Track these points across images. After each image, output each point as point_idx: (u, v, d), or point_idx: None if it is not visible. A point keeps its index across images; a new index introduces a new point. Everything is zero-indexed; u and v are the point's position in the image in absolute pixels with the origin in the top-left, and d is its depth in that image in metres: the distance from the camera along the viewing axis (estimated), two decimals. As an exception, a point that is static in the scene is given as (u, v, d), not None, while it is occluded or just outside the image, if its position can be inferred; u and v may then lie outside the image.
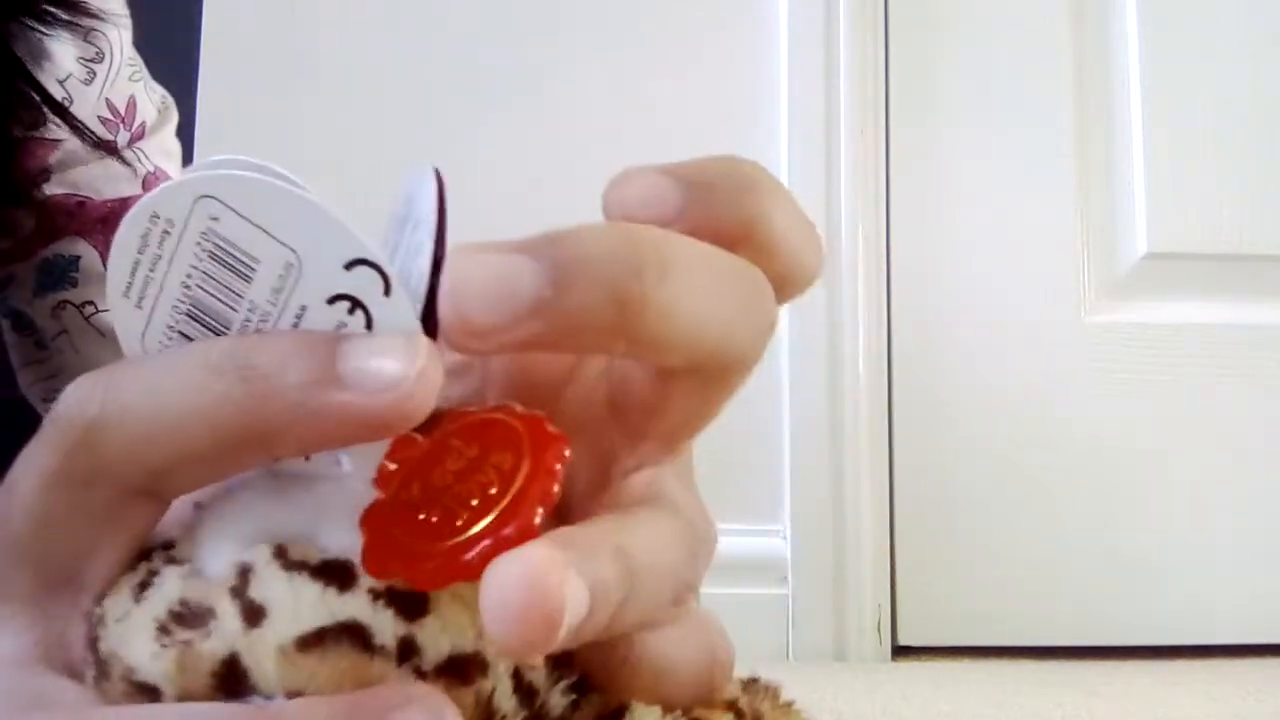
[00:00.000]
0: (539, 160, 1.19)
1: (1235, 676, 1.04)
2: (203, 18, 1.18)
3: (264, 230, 0.20)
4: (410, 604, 0.20)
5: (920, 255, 1.22)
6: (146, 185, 0.58)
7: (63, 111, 0.53)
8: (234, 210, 0.20)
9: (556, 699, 0.21)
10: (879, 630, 1.15)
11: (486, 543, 0.18)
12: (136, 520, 0.21)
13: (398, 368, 0.19)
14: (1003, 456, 1.20)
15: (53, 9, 0.51)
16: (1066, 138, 1.23)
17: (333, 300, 0.20)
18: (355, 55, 1.21)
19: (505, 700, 0.20)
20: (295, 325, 0.20)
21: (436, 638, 0.20)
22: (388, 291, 0.20)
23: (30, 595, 0.21)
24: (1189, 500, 1.19)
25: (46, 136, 0.54)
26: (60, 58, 0.54)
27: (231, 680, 0.19)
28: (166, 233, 0.20)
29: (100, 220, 0.56)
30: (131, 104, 0.58)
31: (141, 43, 0.61)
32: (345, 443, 0.20)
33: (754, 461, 1.17)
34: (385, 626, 0.19)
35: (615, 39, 1.22)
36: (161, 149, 0.60)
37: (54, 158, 0.55)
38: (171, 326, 0.21)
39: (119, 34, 0.57)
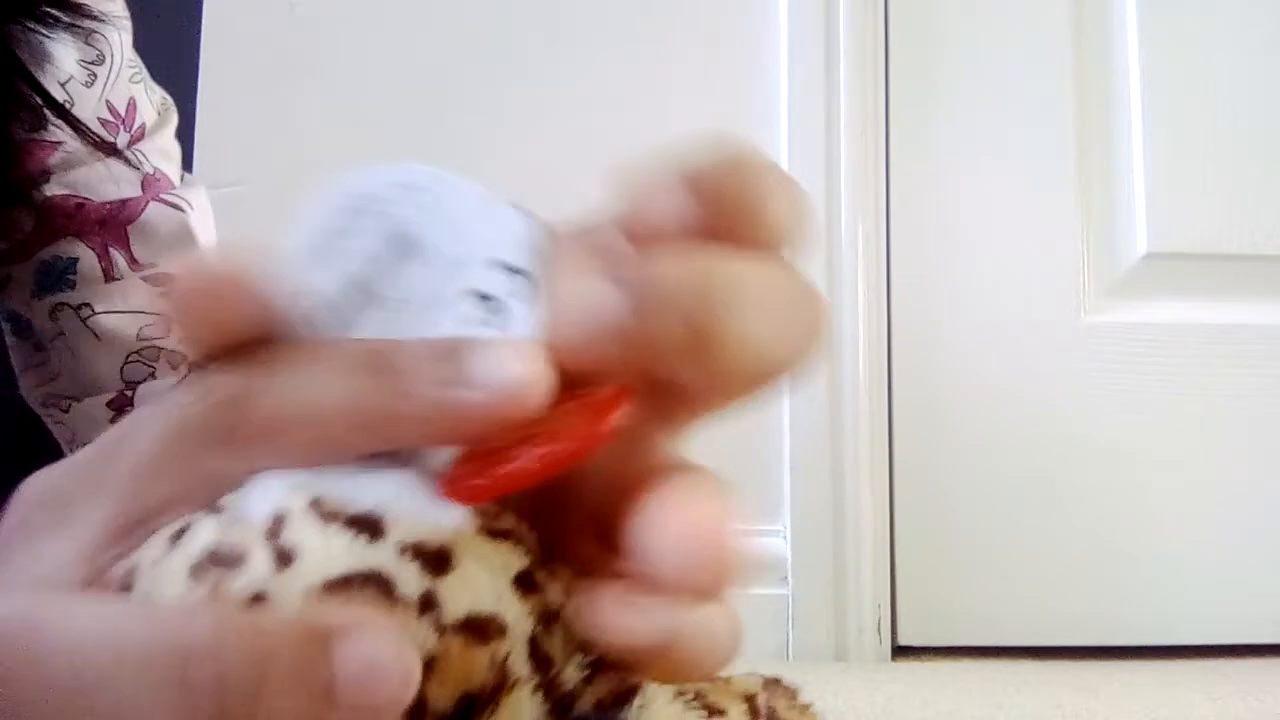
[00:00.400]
0: (539, 160, 1.19)
1: (1235, 676, 1.04)
2: (203, 18, 1.18)
3: (442, 223, 0.22)
4: (435, 560, 0.20)
5: (920, 255, 1.22)
6: (145, 186, 0.58)
7: (64, 113, 0.53)
8: (421, 201, 0.22)
9: (571, 672, 0.21)
10: (879, 630, 1.15)
11: (551, 447, 0.20)
12: (228, 486, 0.22)
13: (520, 372, 0.20)
14: (1003, 456, 1.20)
15: (54, 11, 0.51)
16: (1067, 138, 1.23)
17: (481, 298, 0.22)
18: (355, 55, 1.21)
19: (520, 665, 0.20)
20: (443, 318, 0.22)
21: (458, 595, 0.20)
22: (523, 299, 0.21)
23: (100, 527, 0.21)
24: (1189, 500, 1.19)
25: (47, 138, 0.54)
26: (61, 60, 0.54)
27: None
28: (358, 211, 0.22)
29: (99, 222, 0.56)
30: (131, 105, 0.58)
31: (141, 43, 0.61)
32: (462, 439, 0.21)
33: (754, 461, 1.17)
34: (409, 579, 0.20)
35: (615, 40, 1.22)
36: (161, 150, 0.60)
37: (54, 159, 0.55)
38: (336, 304, 0.22)
39: (119, 36, 0.57)
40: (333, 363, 0.21)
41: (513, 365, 0.20)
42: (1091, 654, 1.15)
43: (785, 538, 1.16)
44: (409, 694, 0.18)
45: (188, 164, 0.63)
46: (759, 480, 1.17)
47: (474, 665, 0.20)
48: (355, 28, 1.21)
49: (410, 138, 1.19)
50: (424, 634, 0.19)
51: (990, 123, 1.24)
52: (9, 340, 0.59)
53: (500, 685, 0.20)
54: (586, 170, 1.21)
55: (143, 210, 0.57)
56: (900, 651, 1.17)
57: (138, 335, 0.57)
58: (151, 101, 0.60)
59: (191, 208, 0.59)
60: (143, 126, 0.59)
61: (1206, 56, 1.24)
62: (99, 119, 0.56)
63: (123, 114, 0.58)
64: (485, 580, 0.20)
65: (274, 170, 1.17)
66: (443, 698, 0.19)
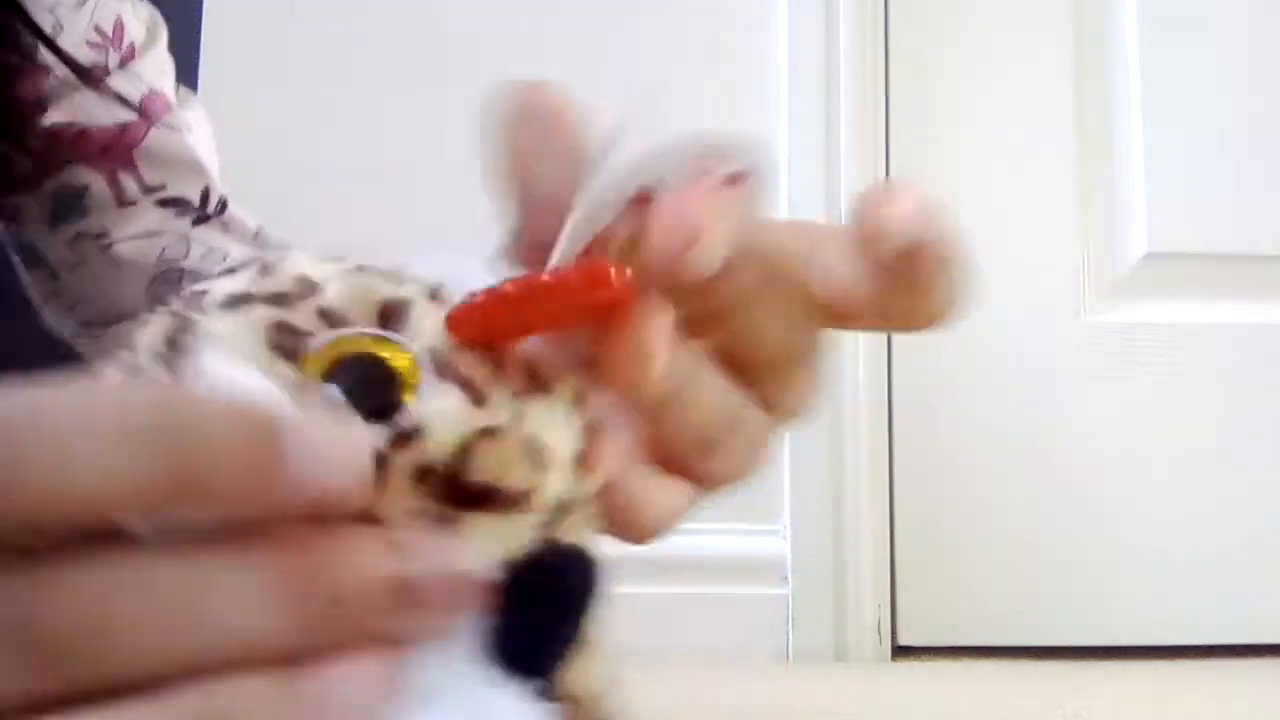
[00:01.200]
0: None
1: (1235, 676, 1.04)
2: (203, 18, 1.18)
3: None
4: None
5: (920, 255, 1.22)
6: (143, 106, 0.58)
7: (50, 44, 0.53)
8: None
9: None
10: (879, 630, 1.15)
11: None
12: None
13: (347, 473, 0.18)
14: (1002, 456, 1.20)
15: None
16: (1066, 138, 1.23)
17: None
18: (355, 55, 1.21)
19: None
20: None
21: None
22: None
23: None
24: (1189, 500, 1.19)
25: (41, 63, 0.54)
26: None
27: (393, 313, 0.21)
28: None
29: (102, 149, 0.56)
30: (119, 25, 0.58)
31: (141, 43, 0.61)
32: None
33: (754, 461, 1.17)
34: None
35: (614, 40, 1.22)
36: (156, 66, 0.60)
37: (50, 83, 0.55)
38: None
39: None
40: (107, 422, 0.16)
41: (340, 465, 0.18)
42: (1091, 654, 1.15)
43: (785, 538, 1.16)
44: (360, 493, 0.18)
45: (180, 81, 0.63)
46: (759, 480, 1.17)
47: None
48: (355, 28, 1.21)
49: (410, 139, 1.19)
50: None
51: (990, 123, 1.24)
52: (25, 275, 0.59)
53: None
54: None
55: (144, 137, 0.57)
56: (900, 651, 1.17)
57: (159, 258, 0.57)
58: (139, 18, 0.60)
59: (190, 129, 0.59)
60: (132, 45, 0.58)
61: (1206, 57, 1.24)
62: (87, 41, 0.56)
63: (110, 34, 0.57)
64: None
65: (274, 170, 1.17)
66: None
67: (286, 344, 0.21)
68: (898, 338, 1.20)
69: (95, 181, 0.56)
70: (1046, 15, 1.25)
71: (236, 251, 0.59)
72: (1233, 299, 1.22)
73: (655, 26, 1.22)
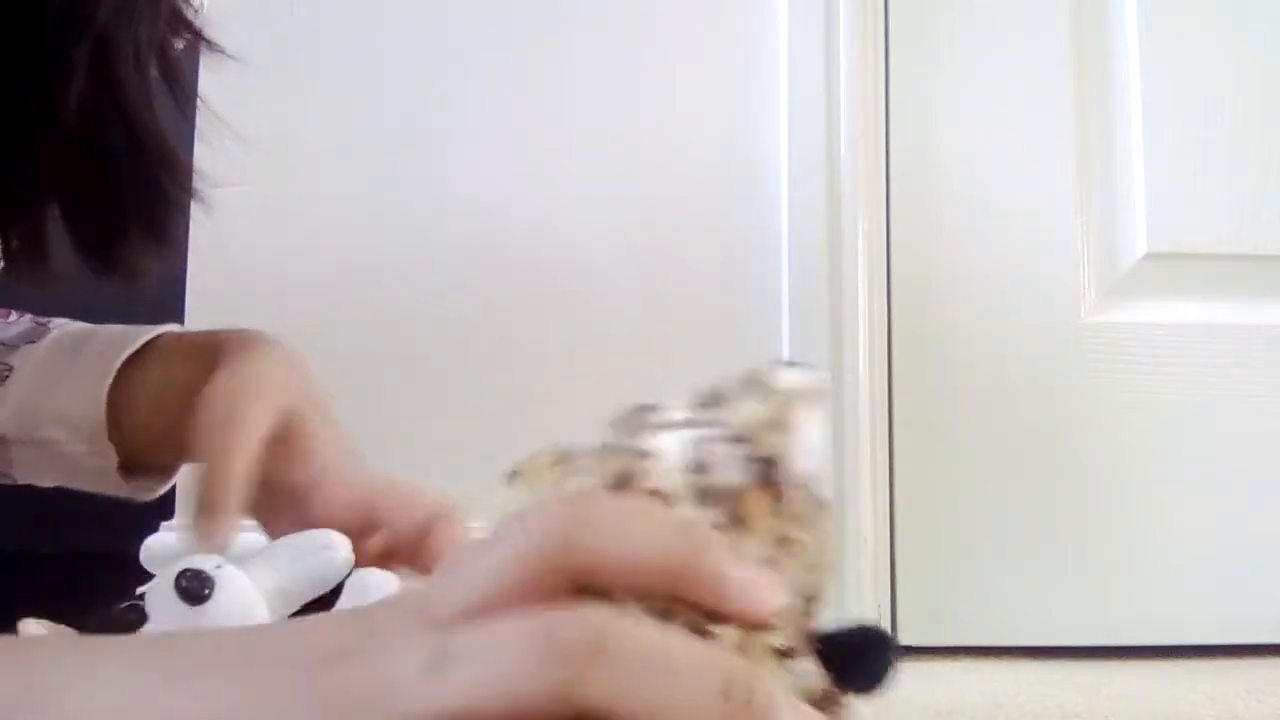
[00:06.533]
0: (539, 154, 1.19)
1: (1235, 676, 1.04)
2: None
3: None
4: None
5: (921, 256, 1.22)
6: None
7: None
8: None
9: None
10: (879, 630, 1.15)
11: None
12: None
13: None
14: (1003, 456, 1.20)
15: None
16: (1066, 138, 1.23)
17: None
18: (355, 55, 1.21)
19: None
20: None
21: None
22: None
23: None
24: (1189, 500, 1.19)
25: None
26: None
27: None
28: None
29: None
30: None
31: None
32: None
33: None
34: None
35: (615, 36, 1.21)
36: None
37: None
38: None
39: None
40: (652, 522, 0.27)
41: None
42: (1091, 654, 1.15)
43: (785, 538, 1.16)
44: None
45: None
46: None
47: None
48: (355, 27, 1.21)
49: (410, 136, 1.19)
50: None
51: (990, 122, 1.23)
52: None
53: None
54: (586, 163, 1.21)
55: None
56: (900, 651, 1.17)
57: None
58: None
59: None
60: None
61: (1207, 56, 1.24)
62: None
63: None
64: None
65: (274, 170, 1.17)
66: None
67: None
68: (898, 337, 1.20)
69: None
70: (1046, 15, 1.25)
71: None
72: (1233, 299, 1.22)
73: (653, 23, 1.22)
